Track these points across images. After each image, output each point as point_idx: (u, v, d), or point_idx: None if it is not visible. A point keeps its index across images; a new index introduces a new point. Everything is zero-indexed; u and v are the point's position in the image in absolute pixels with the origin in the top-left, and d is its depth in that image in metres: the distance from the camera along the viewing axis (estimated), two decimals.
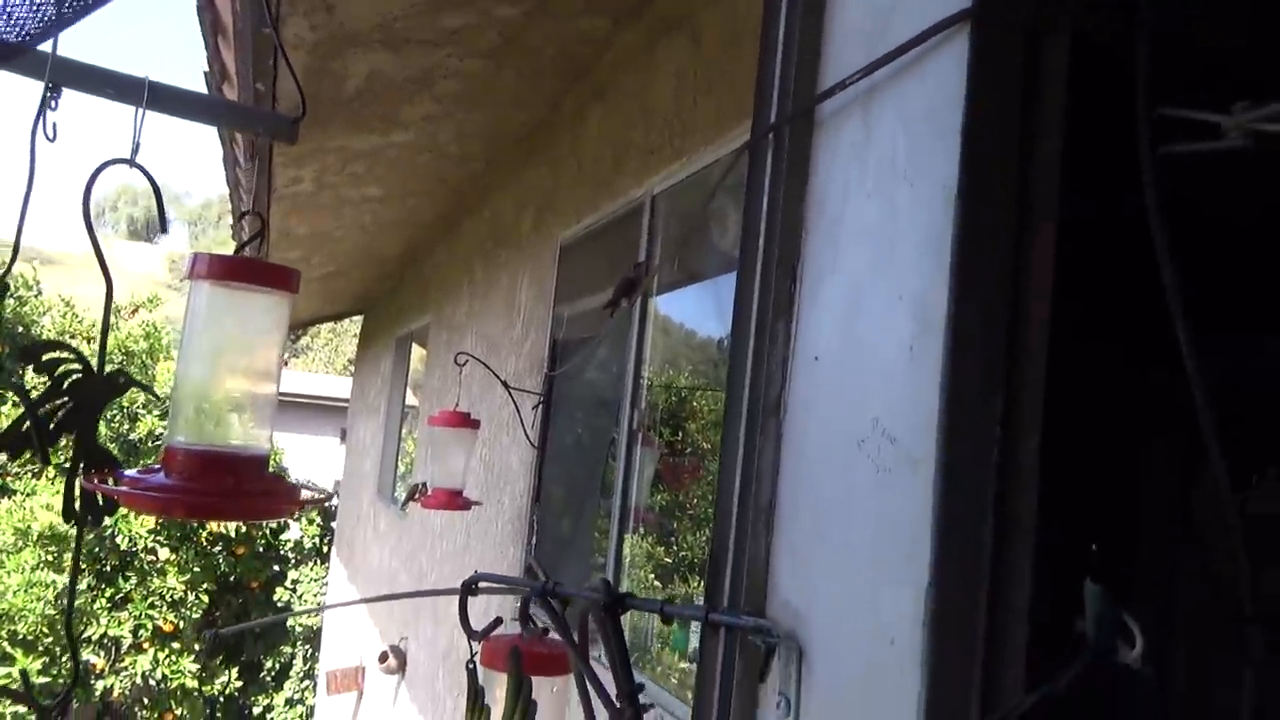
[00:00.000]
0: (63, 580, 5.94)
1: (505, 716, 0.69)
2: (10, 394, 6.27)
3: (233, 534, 7.24)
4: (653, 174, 2.11)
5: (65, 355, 0.87)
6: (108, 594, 6.51)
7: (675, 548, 2.46)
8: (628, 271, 2.08)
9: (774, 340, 0.56)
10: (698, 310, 2.41)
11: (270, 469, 0.91)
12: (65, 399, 0.86)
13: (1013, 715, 0.39)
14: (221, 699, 7.43)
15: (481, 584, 0.70)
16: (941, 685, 0.40)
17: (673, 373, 2.54)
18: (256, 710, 7.80)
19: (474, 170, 3.59)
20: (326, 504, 8.30)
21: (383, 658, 4.39)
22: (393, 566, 4.97)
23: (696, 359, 2.53)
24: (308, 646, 8.02)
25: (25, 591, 5.80)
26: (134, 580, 6.68)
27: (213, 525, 7.22)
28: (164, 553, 6.86)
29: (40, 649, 5.75)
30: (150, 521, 6.78)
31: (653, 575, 2.43)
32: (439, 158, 3.37)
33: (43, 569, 5.96)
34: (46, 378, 0.84)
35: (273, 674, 7.93)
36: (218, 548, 7.20)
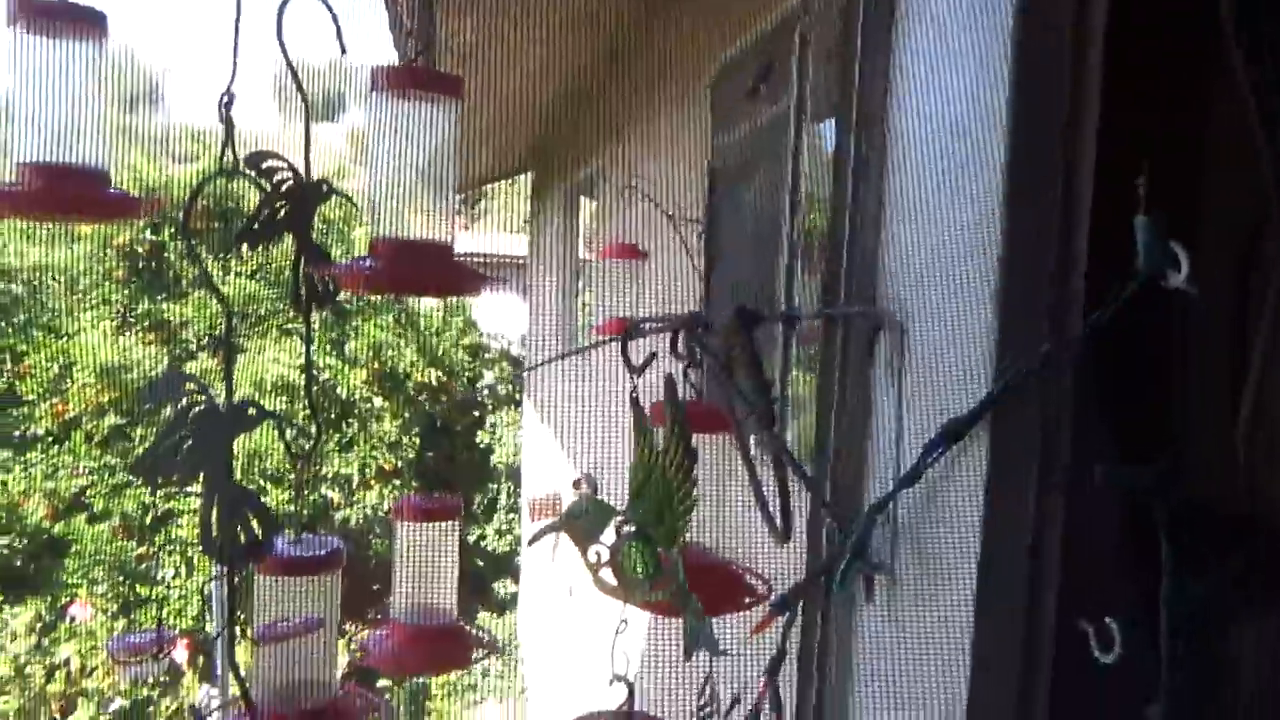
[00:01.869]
0: (295, 425, 6.72)
1: (666, 440, 0.79)
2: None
3: (435, 384, 7.92)
4: None
5: (280, 164, 1.01)
6: (335, 438, 7.35)
7: None
8: (766, 58, 2.07)
9: (875, 55, 0.60)
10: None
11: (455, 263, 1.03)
12: (283, 202, 1.01)
13: (1072, 345, 0.44)
14: None
15: (639, 326, 0.80)
16: (1014, 324, 0.46)
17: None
18: (470, 540, 8.68)
19: (633, 6, 3.56)
20: (512, 357, 8.84)
21: (576, 484, 4.76)
22: (578, 407, 5.28)
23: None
24: (510, 483, 8.75)
25: (264, 435, 6.61)
26: (355, 426, 7.49)
27: (418, 376, 7.96)
28: (378, 401, 7.62)
29: (285, 484, 6.60)
30: (364, 373, 7.54)
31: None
32: None
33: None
34: (266, 183, 0.99)
35: (481, 508, 8.76)
36: (422, 396, 7.92)
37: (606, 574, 0.85)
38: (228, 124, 0.87)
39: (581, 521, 0.84)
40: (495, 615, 8.45)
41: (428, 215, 1.04)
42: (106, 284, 7.43)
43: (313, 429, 1.14)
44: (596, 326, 3.03)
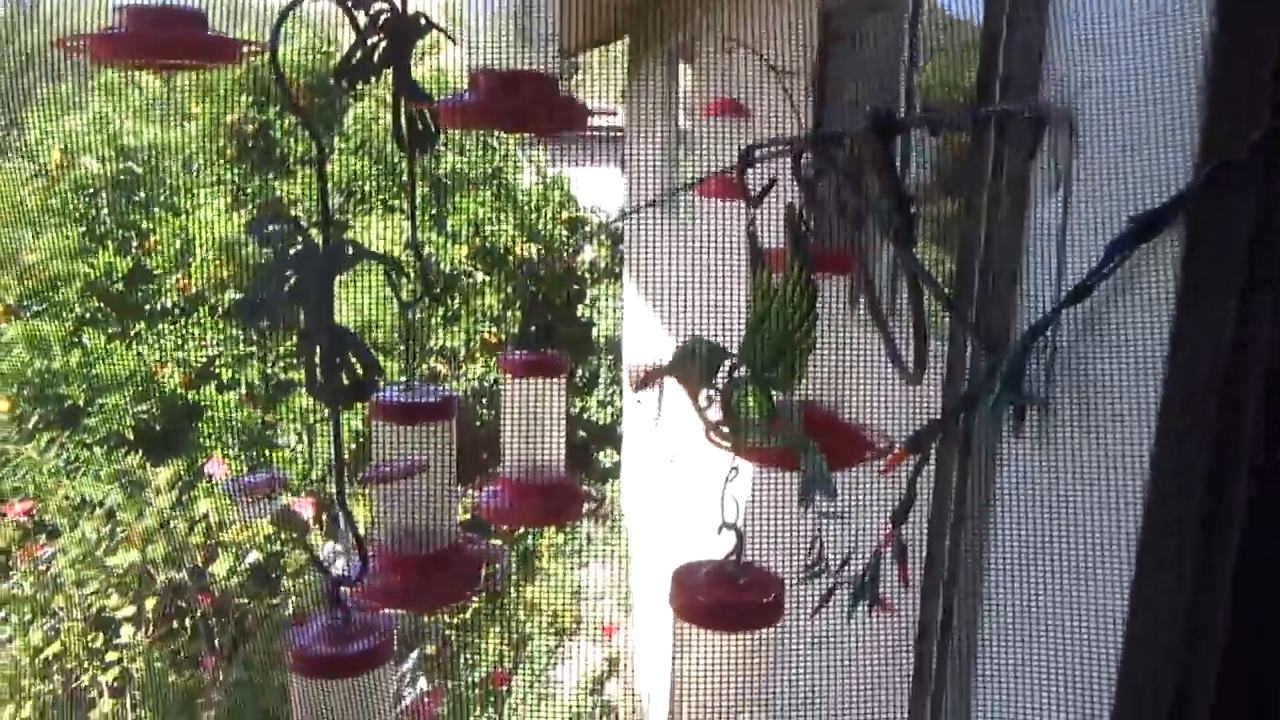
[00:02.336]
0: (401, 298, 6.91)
1: (785, 274, 0.74)
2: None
3: (534, 258, 7.97)
4: None
5: None
6: (440, 312, 7.53)
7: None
8: None
9: None
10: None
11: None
12: (381, 36, 0.96)
13: None
14: None
15: (759, 151, 0.73)
16: (1221, 116, 0.38)
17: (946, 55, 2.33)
18: (574, 411, 8.89)
19: None
20: (611, 226, 8.78)
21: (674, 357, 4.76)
22: (679, 276, 5.22)
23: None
24: (610, 356, 8.86)
25: (378, 306, 6.82)
26: (459, 300, 7.64)
27: (519, 250, 8.02)
28: (480, 275, 7.73)
29: (395, 354, 6.84)
30: (465, 249, 7.63)
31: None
32: None
33: (385, 288, 6.95)
34: (364, 14, 0.94)
35: (583, 381, 8.93)
36: (523, 270, 8.00)
37: (717, 418, 0.81)
38: None
39: (692, 364, 0.80)
40: (599, 484, 8.71)
41: (528, 45, 0.98)
42: (220, 162, 7.63)
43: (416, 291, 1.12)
44: (697, 187, 2.92)
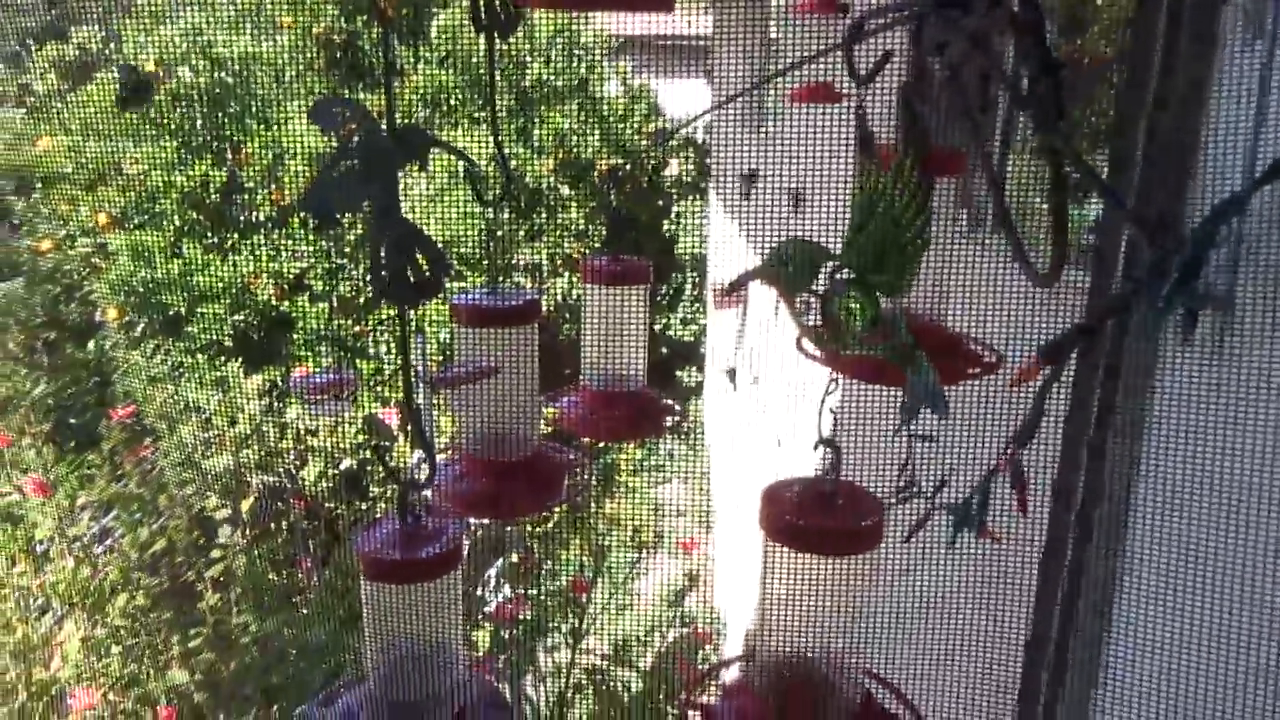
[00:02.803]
0: (488, 212, 6.93)
1: (895, 165, 0.65)
2: None
3: (618, 170, 7.86)
4: None
5: None
6: (524, 227, 7.52)
7: None
8: None
9: None
10: None
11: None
12: None
13: None
14: None
15: (872, 22, 0.64)
16: None
17: None
18: (657, 328, 8.85)
19: None
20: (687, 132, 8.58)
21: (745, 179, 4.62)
22: (764, 190, 5.07)
23: None
24: (694, 272, 8.76)
25: (460, 222, 6.84)
26: (544, 215, 7.60)
27: (602, 164, 7.92)
28: (564, 190, 7.67)
29: (479, 268, 6.89)
30: (550, 162, 7.56)
31: None
32: None
33: (471, 204, 6.97)
34: None
35: (666, 298, 8.86)
36: (607, 185, 7.90)
37: (813, 324, 0.74)
38: None
39: (788, 265, 0.72)
40: (680, 403, 8.72)
41: None
42: (309, 75, 7.67)
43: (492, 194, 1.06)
44: (791, 91, 2.78)
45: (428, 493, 0.91)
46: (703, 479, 8.40)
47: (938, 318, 0.93)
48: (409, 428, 0.82)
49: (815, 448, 0.84)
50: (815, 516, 0.81)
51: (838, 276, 0.71)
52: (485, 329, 0.99)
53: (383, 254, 0.74)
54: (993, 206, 0.71)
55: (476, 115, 7.80)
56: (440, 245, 0.74)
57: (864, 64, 0.68)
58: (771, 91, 5.82)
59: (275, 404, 4.09)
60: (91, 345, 5.82)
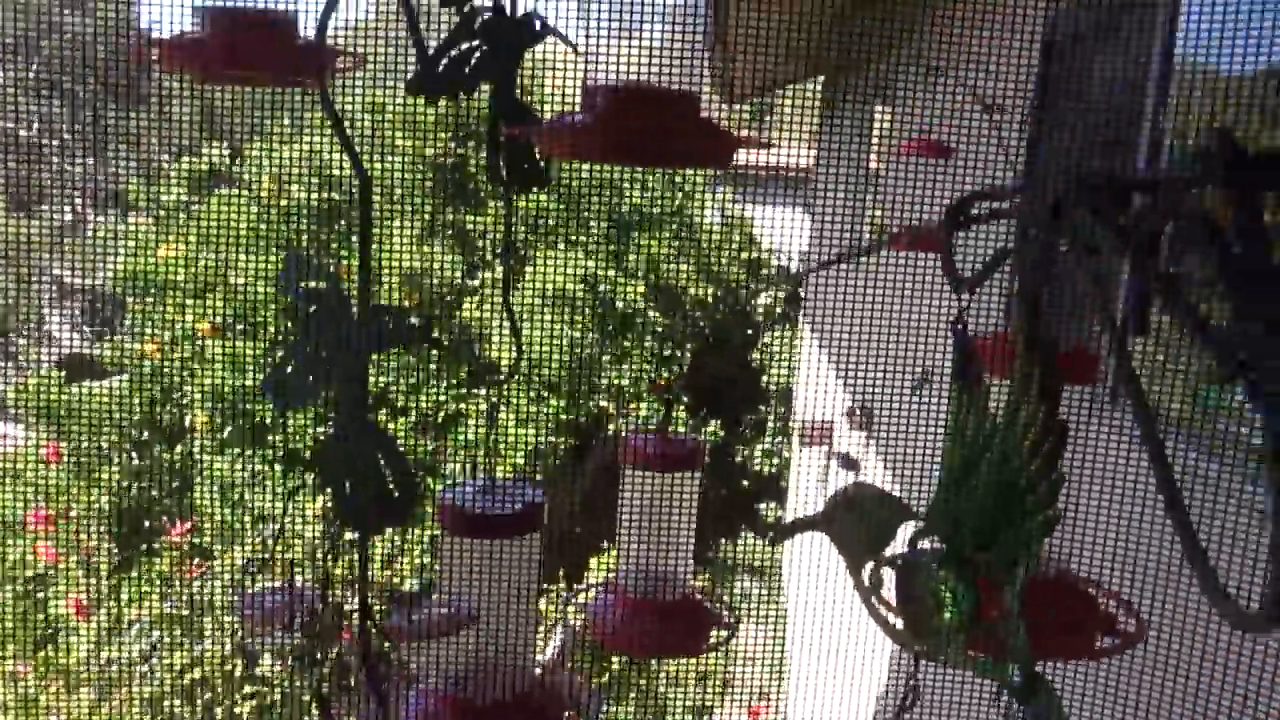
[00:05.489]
0: (574, 334, 6.89)
1: (1012, 401, 0.46)
2: None
3: (711, 300, 7.80)
4: None
5: None
6: (609, 350, 7.47)
7: None
8: None
9: None
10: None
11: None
12: (476, 41, 0.76)
13: None
14: (708, 446, 8.27)
15: (978, 208, 0.46)
16: None
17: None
18: (738, 459, 8.57)
19: None
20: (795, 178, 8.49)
21: (849, 414, 4.41)
22: (857, 329, 4.87)
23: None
24: (781, 405, 8.52)
25: (545, 344, 6.83)
26: (632, 340, 7.55)
27: (695, 291, 7.87)
28: (654, 314, 7.62)
29: (564, 390, 6.82)
30: (642, 286, 7.56)
31: None
32: None
33: (559, 325, 6.95)
34: (454, 11, 0.73)
35: (750, 429, 8.61)
36: (698, 312, 7.83)
37: (889, 603, 0.54)
38: None
39: (855, 521, 0.53)
40: (760, 539, 8.35)
41: (661, 53, 0.75)
42: (417, 195, 7.95)
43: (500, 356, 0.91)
44: (888, 238, 2.61)
45: None
46: (780, 621, 7.94)
47: (1064, 570, 0.71)
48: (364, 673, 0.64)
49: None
50: None
51: (921, 545, 0.51)
52: (478, 539, 0.82)
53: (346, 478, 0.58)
54: (1145, 439, 0.51)
55: (572, 237, 7.90)
56: (412, 465, 0.58)
57: (969, 261, 0.50)
58: (868, 233, 5.69)
59: (332, 529, 4.01)
60: (179, 449, 5.91)
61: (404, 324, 0.61)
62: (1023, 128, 2.38)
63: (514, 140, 0.74)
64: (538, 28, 0.80)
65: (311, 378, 0.61)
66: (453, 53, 0.73)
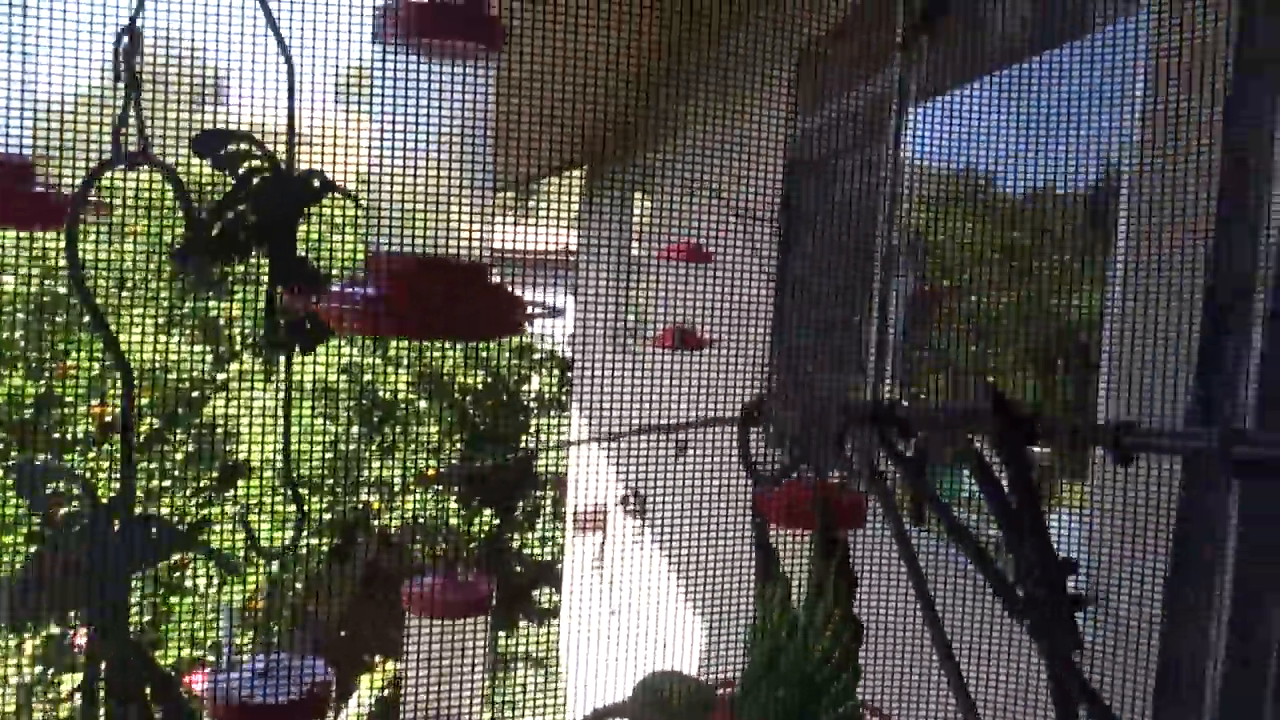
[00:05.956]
0: (337, 428, 6.56)
1: (809, 598, 0.49)
2: None
3: (480, 387, 7.72)
4: None
5: (248, 148, 0.73)
6: (376, 441, 7.17)
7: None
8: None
9: None
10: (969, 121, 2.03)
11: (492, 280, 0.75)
12: (252, 203, 0.73)
13: None
14: (482, 536, 8.08)
15: (775, 413, 0.50)
16: None
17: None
18: (514, 547, 8.44)
19: None
20: (560, 354, 8.60)
21: (623, 501, 4.48)
22: (628, 416, 5.00)
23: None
24: (555, 490, 8.52)
25: (303, 440, 6.45)
26: (397, 430, 7.29)
27: (461, 378, 7.77)
28: (422, 404, 7.42)
29: (324, 489, 6.45)
30: (408, 375, 7.36)
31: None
32: None
33: (318, 418, 6.59)
34: (228, 175, 0.70)
35: (524, 514, 8.52)
36: (467, 399, 7.72)
37: None
38: (128, 77, 0.59)
39: (659, 712, 0.54)
40: (535, 625, 8.22)
41: (455, 213, 0.75)
42: (155, 282, 7.33)
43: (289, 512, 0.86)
44: (653, 338, 2.73)
45: None
46: (561, 710, 7.80)
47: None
48: None
49: None
50: None
51: None
52: None
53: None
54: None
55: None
56: (170, 678, 0.53)
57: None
58: (633, 320, 5.89)
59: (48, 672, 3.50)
60: None
61: (170, 530, 0.55)
62: (774, 236, 2.58)
63: (294, 310, 0.71)
64: (317, 185, 0.77)
65: (54, 591, 0.53)
66: (228, 215, 0.69)
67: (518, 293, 0.76)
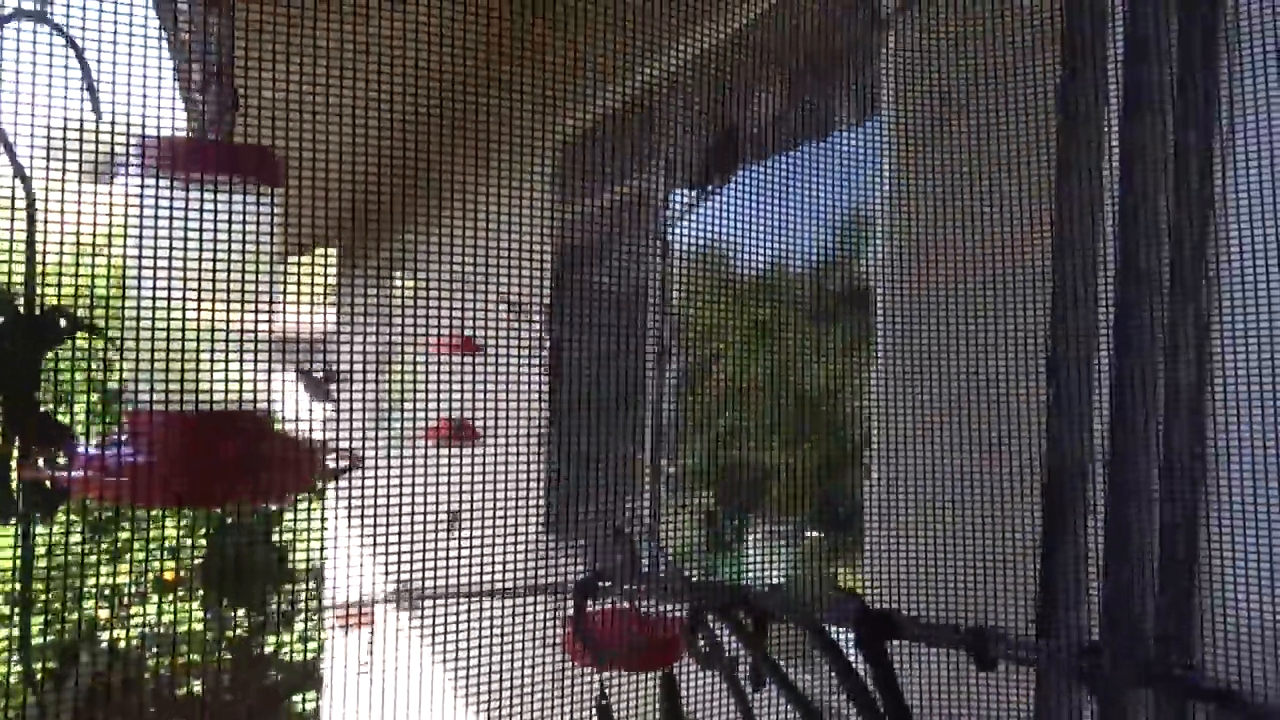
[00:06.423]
0: (51, 534, 5.80)
1: None
2: None
3: None
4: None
5: None
6: (104, 544, 6.37)
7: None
8: (716, 134, 1.82)
9: None
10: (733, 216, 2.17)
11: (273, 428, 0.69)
12: None
13: None
14: (232, 641, 7.37)
15: (605, 584, 0.49)
16: None
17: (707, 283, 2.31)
18: (269, 649, 7.76)
19: (469, 51, 3.27)
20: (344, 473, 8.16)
21: (391, 596, 4.26)
22: (391, 502, 4.76)
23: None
24: (312, 584, 7.97)
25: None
26: (128, 529, 6.55)
27: None
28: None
29: (39, 606, 5.63)
30: None
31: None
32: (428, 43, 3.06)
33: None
34: None
35: (279, 613, 7.88)
36: None
37: None
38: None
39: None
40: None
41: (228, 362, 0.69)
42: None
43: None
44: (426, 429, 2.65)
45: None
46: None
47: None
48: None
49: None
50: None
51: None
52: None
53: None
54: None
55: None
56: None
57: None
58: (396, 407, 5.70)
59: None
60: None
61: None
62: (542, 328, 2.60)
63: (30, 476, 0.61)
64: (63, 325, 0.68)
65: None
66: None
67: (306, 439, 0.70)
